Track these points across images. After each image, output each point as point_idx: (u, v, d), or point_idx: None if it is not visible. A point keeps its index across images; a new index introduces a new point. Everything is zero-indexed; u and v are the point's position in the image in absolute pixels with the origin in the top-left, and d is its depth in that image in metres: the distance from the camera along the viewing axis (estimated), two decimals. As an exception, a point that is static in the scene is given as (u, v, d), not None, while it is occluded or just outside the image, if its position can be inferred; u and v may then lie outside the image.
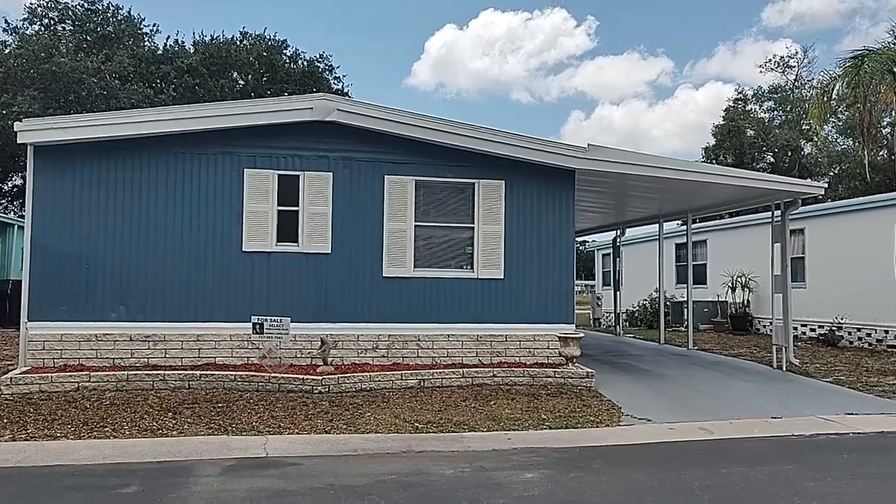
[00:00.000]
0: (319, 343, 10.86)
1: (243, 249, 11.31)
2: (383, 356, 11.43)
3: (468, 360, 11.54)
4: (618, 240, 22.56)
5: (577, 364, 11.16)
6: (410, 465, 6.79)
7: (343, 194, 11.56)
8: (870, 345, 16.78)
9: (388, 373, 10.53)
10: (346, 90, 37.31)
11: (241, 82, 36.19)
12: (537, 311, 11.85)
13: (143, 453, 6.98)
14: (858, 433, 8.31)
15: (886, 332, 15.73)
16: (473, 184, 11.85)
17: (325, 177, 11.52)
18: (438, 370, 10.81)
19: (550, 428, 8.38)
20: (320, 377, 10.08)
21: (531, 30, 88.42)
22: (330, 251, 11.47)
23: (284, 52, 37.05)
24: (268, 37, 36.99)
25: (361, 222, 11.61)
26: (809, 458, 7.25)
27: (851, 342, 17.33)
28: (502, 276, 11.81)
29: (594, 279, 32.54)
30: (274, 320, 10.70)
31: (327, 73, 37.66)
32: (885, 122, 18.56)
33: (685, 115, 77.28)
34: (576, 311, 25.89)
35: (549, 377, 10.83)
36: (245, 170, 11.38)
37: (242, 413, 8.74)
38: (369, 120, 11.31)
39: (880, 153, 30.97)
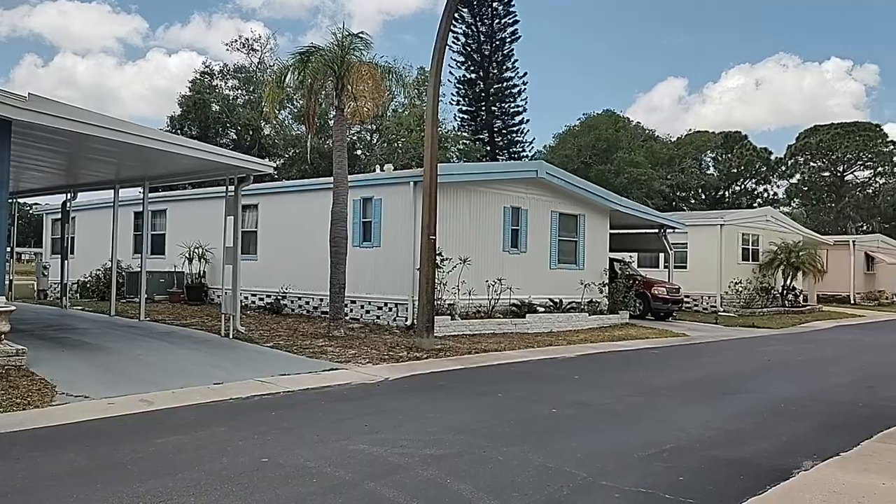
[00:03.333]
0: None
1: None
2: None
3: None
4: (68, 204, 20.71)
5: (6, 341, 9.83)
6: None
7: None
8: (308, 312, 18.83)
9: None
10: None
11: None
12: (-45, 282, 10.06)
13: None
14: (288, 391, 9.22)
15: (321, 300, 17.80)
16: None
17: None
18: None
19: (-37, 417, 7.22)
20: None
21: (-28, -51, 74.73)
22: None
23: None
24: None
25: None
26: (243, 419, 7.74)
27: (294, 310, 19.19)
28: None
29: (43, 246, 29.35)
30: None
31: None
32: (330, 115, 20.84)
33: (156, 80, 75.26)
34: (18, 282, 23.06)
35: (-32, 358, 9.32)
36: None
37: None
38: None
39: (327, 141, 34.88)
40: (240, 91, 42.36)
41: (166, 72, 74.16)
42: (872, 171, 69.33)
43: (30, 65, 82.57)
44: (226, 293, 14.30)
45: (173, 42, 78.16)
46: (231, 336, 13.77)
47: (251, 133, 40.42)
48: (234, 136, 41.11)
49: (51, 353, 11.08)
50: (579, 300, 19.78)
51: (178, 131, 37.80)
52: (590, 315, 19.43)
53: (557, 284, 19.59)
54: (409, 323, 16.18)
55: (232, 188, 14.39)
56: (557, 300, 19.16)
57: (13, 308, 10.28)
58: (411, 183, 16.56)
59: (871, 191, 67.59)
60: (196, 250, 21.37)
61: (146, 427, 7.28)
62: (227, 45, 49.63)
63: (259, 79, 40.93)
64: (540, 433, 7.47)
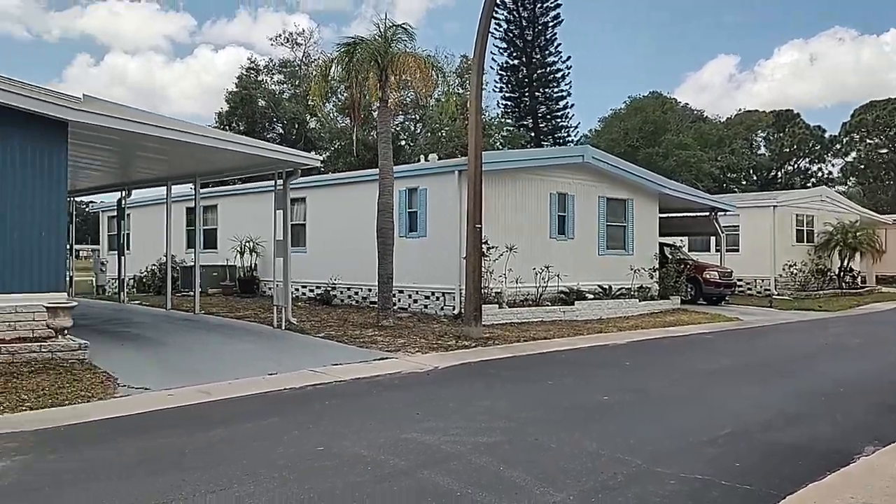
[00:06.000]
0: None
1: None
2: None
3: (-75, 340, 9.60)
4: (123, 201, 21.28)
5: (69, 336, 10.18)
6: None
7: None
8: (357, 302, 19.03)
9: None
10: None
11: None
12: (20, 279, 10.40)
13: None
14: (340, 381, 9.34)
15: (370, 290, 17.96)
16: (-66, 128, 9.80)
17: None
18: None
19: (32, 409, 7.51)
20: None
21: (26, -44, 76.96)
22: None
23: None
24: None
25: None
26: (297, 409, 7.89)
27: (343, 301, 19.41)
28: (-26, 239, 10.07)
29: (100, 243, 30.21)
30: None
31: None
32: (374, 106, 20.95)
33: (203, 77, 76.59)
34: (77, 279, 23.83)
35: (34, 352, 9.67)
36: None
37: None
38: None
39: (371, 133, 35.05)
40: (285, 85, 42.82)
41: (213, 68, 75.36)
42: (933, 146, 66.84)
43: (82, 64, 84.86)
44: (277, 285, 14.54)
45: (220, 38, 79.30)
46: (283, 327, 14.02)
47: (297, 126, 40.87)
48: (281, 131, 41.63)
49: (111, 346, 11.43)
50: (629, 286, 19.56)
51: (227, 127, 38.46)
52: (640, 301, 19.21)
53: (606, 271, 19.41)
54: (456, 312, 16.22)
55: (280, 182, 14.59)
56: (606, 286, 18.99)
57: (75, 304, 10.64)
58: (456, 172, 16.56)
59: (932, 167, 65.17)
60: (247, 244, 21.76)
61: (204, 417, 7.48)
62: (271, 39, 50.43)
63: (304, 72, 41.30)
64: (592, 420, 7.44)
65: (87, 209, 40.28)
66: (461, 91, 36.33)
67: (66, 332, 10.16)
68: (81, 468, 5.67)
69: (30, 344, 9.82)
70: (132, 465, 5.76)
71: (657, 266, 20.98)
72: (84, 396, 8.08)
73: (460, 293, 16.01)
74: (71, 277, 20.23)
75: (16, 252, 10.38)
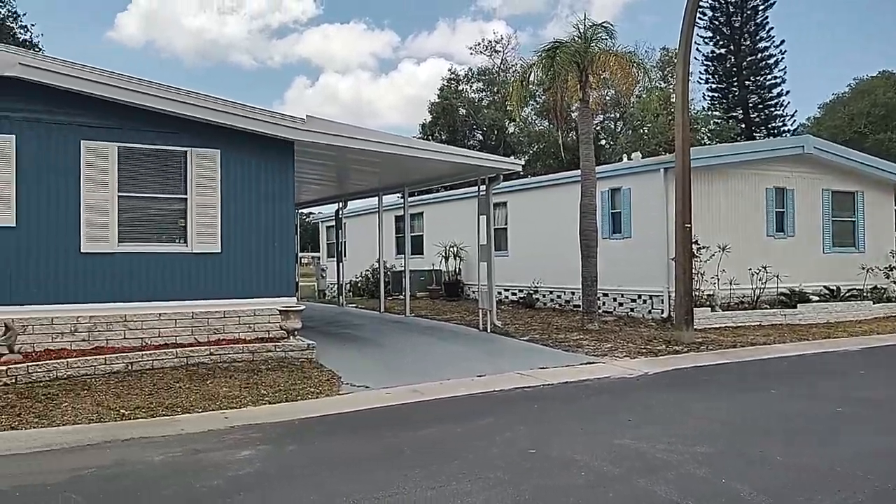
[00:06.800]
0: (3, 329, 9.56)
1: None
2: (84, 340, 10.39)
3: (183, 340, 10.95)
4: (340, 212, 22.87)
5: (298, 337, 11.14)
6: (115, 455, 6.30)
7: (31, 160, 10.20)
8: (560, 305, 18.97)
9: (89, 358, 9.61)
10: (35, 42, 33.03)
11: None
12: (257, 285, 11.57)
13: None
14: (548, 384, 9.36)
15: (573, 293, 17.84)
16: (186, 152, 11.16)
17: (5, 140, 10.07)
18: (149, 352, 10.12)
19: (270, 403, 8.29)
20: (4, 367, 8.91)
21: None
22: (15, 224, 10.09)
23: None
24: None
25: (55, 192, 10.36)
26: (507, 410, 8.01)
27: (545, 304, 19.44)
28: (219, 250, 11.33)
29: (320, 251, 32.74)
30: (-57, 306, 9.19)
31: (11, 21, 32.98)
32: (573, 108, 20.81)
33: (407, 90, 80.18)
34: (301, 284, 25.96)
35: (270, 352, 10.69)
36: None
37: None
38: (60, 77, 10.05)
39: (570, 135, 34.82)
40: (484, 93, 43.81)
41: (415, 80, 78.75)
42: None
43: (299, 86, 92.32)
44: (481, 289, 14.87)
45: (421, 51, 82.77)
46: (489, 330, 14.31)
47: (496, 132, 41.64)
48: (481, 137, 42.63)
49: (334, 347, 12.31)
50: (860, 287, 17.74)
51: (430, 137, 40.07)
52: (874, 303, 17.33)
53: (832, 270, 17.76)
54: (664, 315, 15.64)
55: (483, 188, 14.92)
56: (833, 287, 17.36)
57: (303, 307, 11.61)
58: (661, 170, 15.99)
59: None
60: (451, 249, 22.51)
61: (419, 416, 7.82)
62: (470, 49, 52.08)
63: (502, 79, 42.00)
64: (822, 433, 6.84)
65: (307, 220, 43.76)
66: (663, 86, 35.07)
67: (296, 333, 11.11)
68: (312, 461, 6.17)
69: (266, 344, 10.87)
70: (356, 459, 6.16)
71: (895, 264, 18.84)
72: (313, 393, 8.78)
73: (669, 296, 15.43)
74: (297, 283, 22.08)
75: (253, 260, 11.55)
